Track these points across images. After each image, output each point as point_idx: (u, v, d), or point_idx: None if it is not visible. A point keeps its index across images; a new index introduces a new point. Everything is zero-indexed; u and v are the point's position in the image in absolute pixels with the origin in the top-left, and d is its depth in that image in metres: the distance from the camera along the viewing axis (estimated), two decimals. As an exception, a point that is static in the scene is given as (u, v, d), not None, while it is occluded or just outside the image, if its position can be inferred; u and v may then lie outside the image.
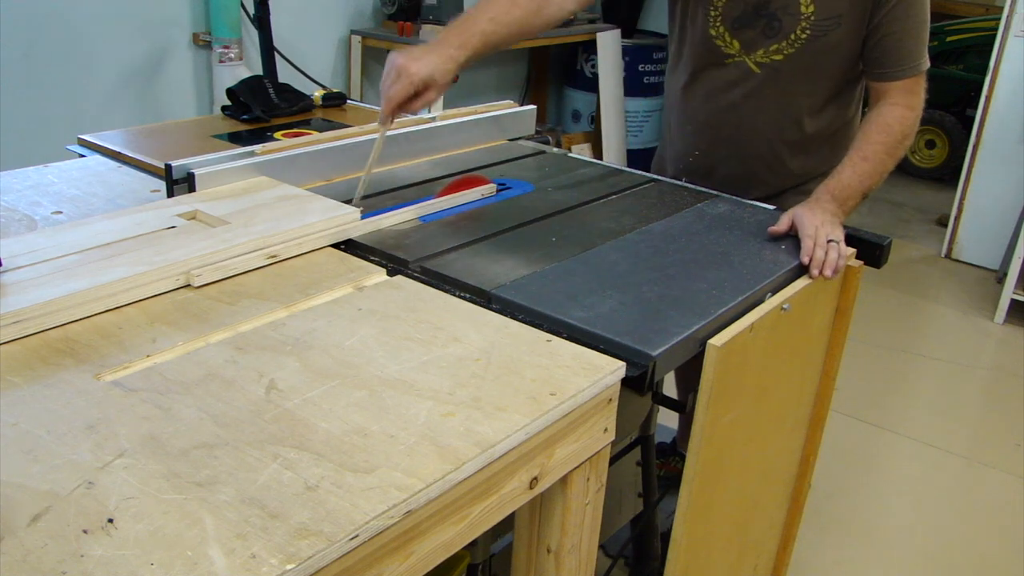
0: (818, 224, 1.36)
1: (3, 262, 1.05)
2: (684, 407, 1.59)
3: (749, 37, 1.63)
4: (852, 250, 1.40)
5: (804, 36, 1.59)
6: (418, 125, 1.69)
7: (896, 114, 1.54)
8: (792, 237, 1.39)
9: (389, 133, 1.43)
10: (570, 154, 1.83)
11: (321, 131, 1.73)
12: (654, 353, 1.00)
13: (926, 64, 1.57)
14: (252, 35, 3.24)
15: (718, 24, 1.64)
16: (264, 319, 1.03)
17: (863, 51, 1.60)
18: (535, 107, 1.92)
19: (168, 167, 1.34)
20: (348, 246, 1.26)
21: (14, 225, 1.28)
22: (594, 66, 4.79)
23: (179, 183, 1.35)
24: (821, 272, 1.31)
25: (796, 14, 1.57)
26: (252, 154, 1.43)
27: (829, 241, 1.34)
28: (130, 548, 0.65)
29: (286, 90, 2.02)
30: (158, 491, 0.72)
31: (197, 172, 1.33)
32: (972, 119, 4.09)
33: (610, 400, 0.98)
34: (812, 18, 1.57)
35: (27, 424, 0.80)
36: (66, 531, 0.67)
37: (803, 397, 1.49)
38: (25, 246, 1.11)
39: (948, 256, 4.27)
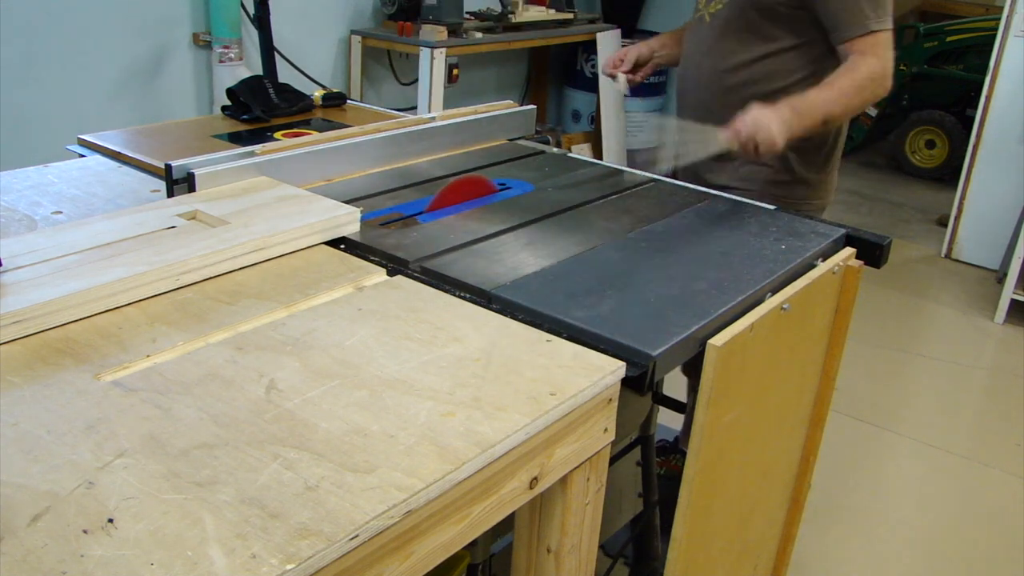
0: (755, 117, 1.51)
1: (3, 262, 1.05)
2: (685, 407, 1.59)
3: None
4: (766, 154, 1.49)
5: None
6: (418, 125, 1.69)
7: (859, 60, 1.61)
8: (792, 235, 1.39)
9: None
10: (570, 154, 1.83)
11: (321, 131, 1.73)
12: (654, 353, 1.00)
13: (879, 24, 1.61)
14: (252, 35, 3.24)
15: None
16: (264, 319, 1.03)
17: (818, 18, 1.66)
18: (535, 107, 1.92)
19: (168, 167, 1.35)
20: (348, 246, 1.26)
21: (14, 225, 1.28)
22: (594, 66, 4.79)
23: (179, 183, 1.35)
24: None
25: None
26: (252, 154, 1.43)
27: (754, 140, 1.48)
28: (130, 548, 0.65)
29: (286, 90, 2.02)
30: (158, 491, 0.72)
31: (197, 172, 1.33)
32: (972, 119, 4.09)
33: (610, 400, 0.98)
34: None
35: (27, 424, 0.80)
36: (66, 531, 0.67)
37: (803, 397, 1.49)
38: (25, 246, 1.11)
39: (948, 256, 4.27)
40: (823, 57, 1.69)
